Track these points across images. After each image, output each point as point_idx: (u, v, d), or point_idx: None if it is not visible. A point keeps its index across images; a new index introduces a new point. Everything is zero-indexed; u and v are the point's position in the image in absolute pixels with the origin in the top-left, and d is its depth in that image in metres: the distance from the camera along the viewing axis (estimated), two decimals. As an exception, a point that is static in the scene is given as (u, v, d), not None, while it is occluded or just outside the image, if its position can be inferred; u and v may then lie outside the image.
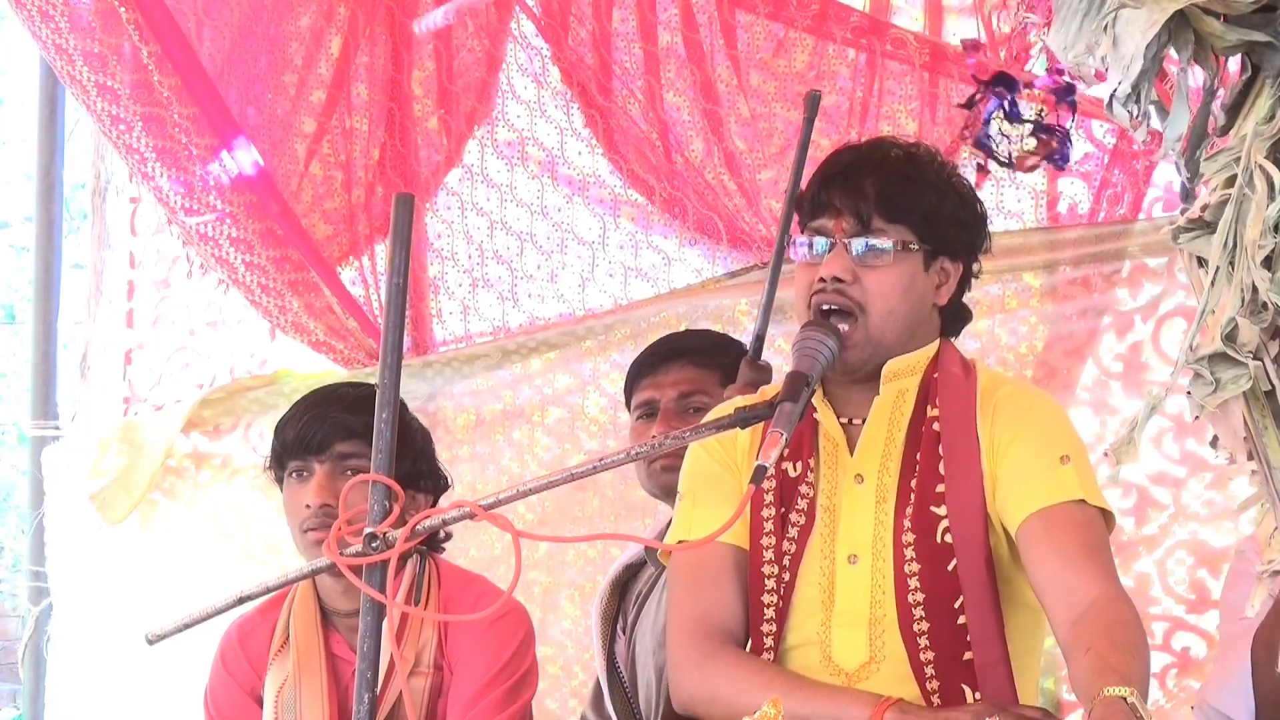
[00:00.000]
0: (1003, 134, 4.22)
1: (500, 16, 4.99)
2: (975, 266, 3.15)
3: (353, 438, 3.40)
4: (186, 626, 2.97)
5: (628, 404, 3.89)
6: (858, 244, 3.00)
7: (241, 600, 2.97)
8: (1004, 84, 4.24)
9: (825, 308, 3.00)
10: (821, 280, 3.00)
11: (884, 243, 3.00)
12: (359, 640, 2.78)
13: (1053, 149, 4.20)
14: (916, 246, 3.02)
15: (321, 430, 3.43)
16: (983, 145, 4.35)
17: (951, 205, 3.08)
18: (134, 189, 5.32)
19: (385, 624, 2.80)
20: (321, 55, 5.04)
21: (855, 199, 3.03)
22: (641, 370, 3.85)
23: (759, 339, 3.64)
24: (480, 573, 3.66)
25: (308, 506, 3.37)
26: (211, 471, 5.24)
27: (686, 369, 3.77)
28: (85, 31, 4.77)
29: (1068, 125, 4.20)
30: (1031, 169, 4.26)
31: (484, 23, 5.00)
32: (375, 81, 5.07)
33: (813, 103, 3.70)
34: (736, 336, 4.05)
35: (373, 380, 2.93)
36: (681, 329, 4.59)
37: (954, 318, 3.14)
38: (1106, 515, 2.97)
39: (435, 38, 5.03)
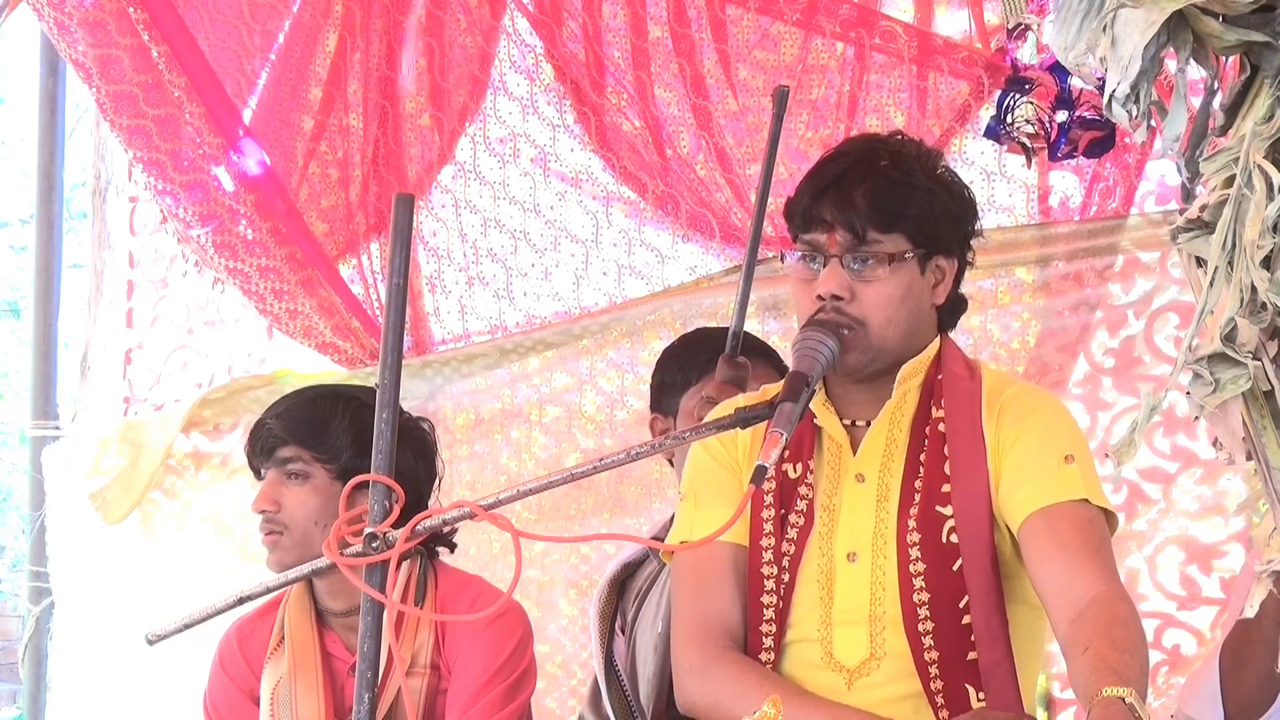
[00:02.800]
0: (1039, 121, 4.24)
1: (493, 12, 4.97)
2: (969, 255, 3.15)
3: (289, 444, 3.48)
4: (186, 627, 2.97)
5: (677, 387, 3.86)
6: (852, 258, 3.01)
7: (241, 600, 2.97)
8: (1058, 71, 4.25)
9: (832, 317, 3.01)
10: (820, 299, 3.01)
11: (879, 255, 3.00)
12: (359, 640, 2.79)
13: (1100, 138, 4.23)
14: (911, 254, 3.02)
15: (261, 438, 3.51)
16: (993, 132, 4.36)
17: (943, 202, 3.08)
18: (134, 188, 5.31)
19: (385, 623, 2.81)
20: (319, 52, 5.03)
21: (847, 212, 3.02)
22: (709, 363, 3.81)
23: (735, 336, 3.64)
24: (479, 571, 3.69)
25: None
26: (211, 471, 5.23)
27: (760, 367, 3.76)
28: (100, 38, 4.76)
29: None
30: (1065, 156, 4.29)
31: (476, 19, 4.99)
32: (369, 78, 5.06)
33: (781, 98, 3.68)
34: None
35: (373, 380, 2.94)
36: (677, 327, 4.61)
37: (950, 310, 3.15)
38: (1109, 515, 3.00)
39: (427, 33, 5.02)
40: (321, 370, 5.09)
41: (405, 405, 4.52)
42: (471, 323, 5.09)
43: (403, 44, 5.04)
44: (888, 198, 3.02)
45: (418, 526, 2.81)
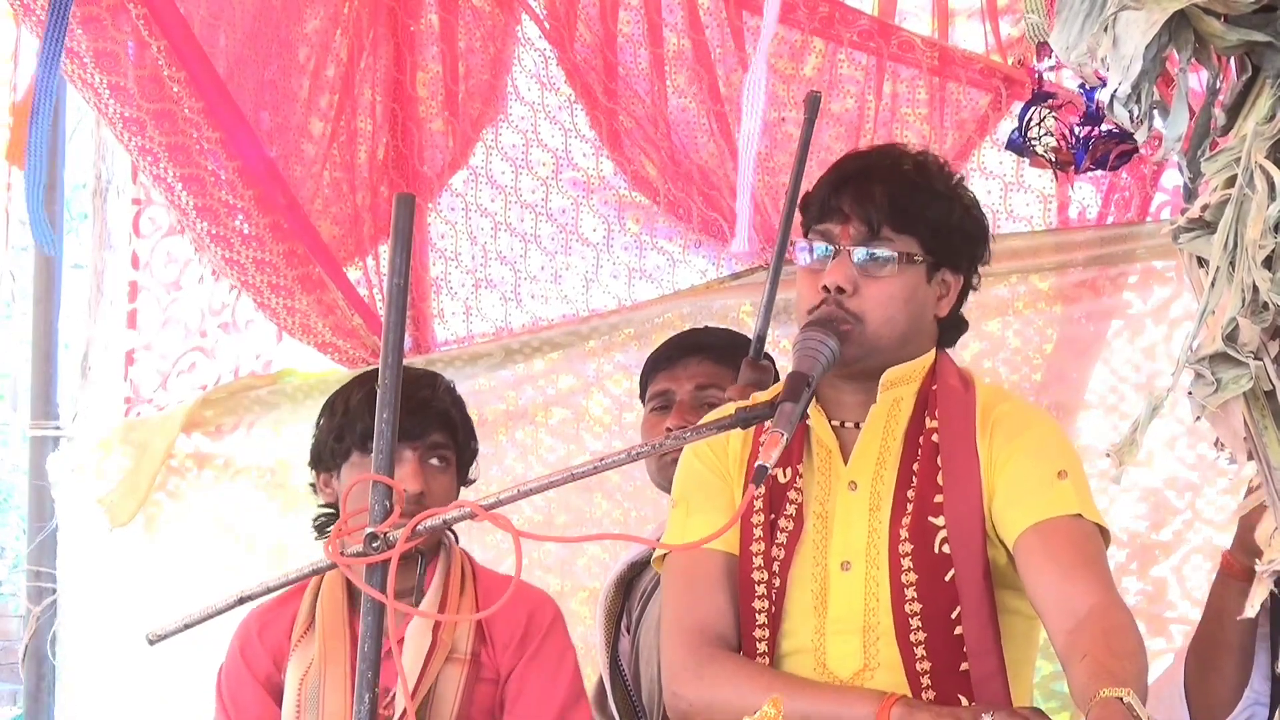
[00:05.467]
0: (1061, 135, 4.25)
1: (506, 20, 4.99)
2: (975, 279, 3.15)
3: (447, 428, 3.48)
4: (187, 627, 2.98)
5: (642, 397, 3.92)
6: (861, 252, 3.00)
7: (242, 600, 2.98)
8: (1085, 88, 4.26)
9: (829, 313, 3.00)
10: (824, 290, 3.00)
11: (889, 253, 3.00)
12: (360, 641, 2.79)
13: (1129, 150, 4.24)
14: (921, 258, 3.02)
15: (425, 418, 3.46)
16: (1015, 146, 4.36)
17: (959, 216, 3.09)
18: (136, 190, 5.33)
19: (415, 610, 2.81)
20: (330, 59, 5.04)
21: (866, 206, 3.02)
22: (658, 363, 3.89)
23: (759, 339, 3.64)
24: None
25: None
26: (214, 472, 5.24)
27: (704, 363, 3.81)
28: (97, 32, 4.78)
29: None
30: (1089, 169, 4.29)
31: (490, 27, 5.00)
32: (378, 83, 5.08)
33: (813, 104, 3.69)
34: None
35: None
36: (687, 329, 4.61)
37: (952, 328, 3.15)
38: (1103, 532, 2.99)
39: (440, 40, 5.04)
40: (325, 370, 5.10)
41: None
42: (476, 325, 5.11)
43: (413, 49, 5.05)
44: (908, 198, 3.03)
45: (418, 526, 2.81)
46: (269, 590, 3.00)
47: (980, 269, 3.17)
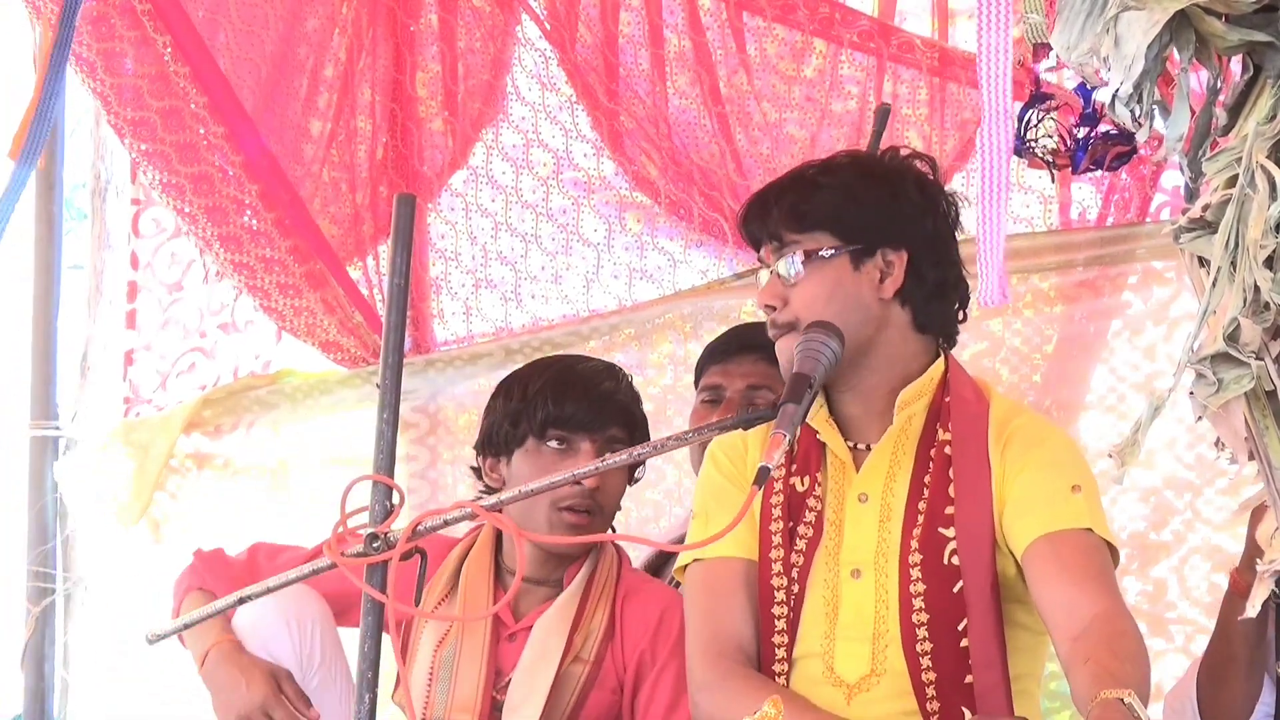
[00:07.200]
0: (1061, 136, 4.26)
1: (506, 20, 4.99)
2: (938, 253, 3.10)
3: (627, 424, 3.46)
4: (187, 626, 2.98)
5: (696, 384, 3.91)
6: (780, 265, 3.04)
7: (241, 600, 2.98)
8: (1082, 89, 4.27)
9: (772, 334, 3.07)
10: (769, 308, 3.05)
11: (796, 255, 3.02)
12: (360, 640, 2.79)
13: (1125, 153, 4.25)
14: (834, 251, 3.02)
15: (607, 410, 3.45)
16: (1015, 147, 4.37)
17: (875, 195, 3.06)
18: (135, 190, 5.31)
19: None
20: (329, 58, 5.04)
21: (766, 220, 3.07)
22: (714, 356, 3.88)
23: None
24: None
25: (577, 484, 3.33)
26: (214, 472, 5.22)
27: (758, 363, 3.77)
28: (105, 33, 4.77)
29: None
30: (1087, 170, 4.30)
31: (490, 26, 5.00)
32: (378, 83, 5.07)
33: (882, 115, 3.69)
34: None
35: (375, 379, 2.93)
36: (687, 330, 4.60)
37: (935, 321, 3.12)
38: (1113, 549, 3.00)
39: (440, 39, 5.04)
40: (323, 370, 5.10)
41: (406, 405, 4.50)
42: (476, 325, 5.10)
43: (413, 48, 5.05)
44: (802, 200, 3.05)
45: (419, 527, 2.81)
46: (269, 590, 3.00)
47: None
